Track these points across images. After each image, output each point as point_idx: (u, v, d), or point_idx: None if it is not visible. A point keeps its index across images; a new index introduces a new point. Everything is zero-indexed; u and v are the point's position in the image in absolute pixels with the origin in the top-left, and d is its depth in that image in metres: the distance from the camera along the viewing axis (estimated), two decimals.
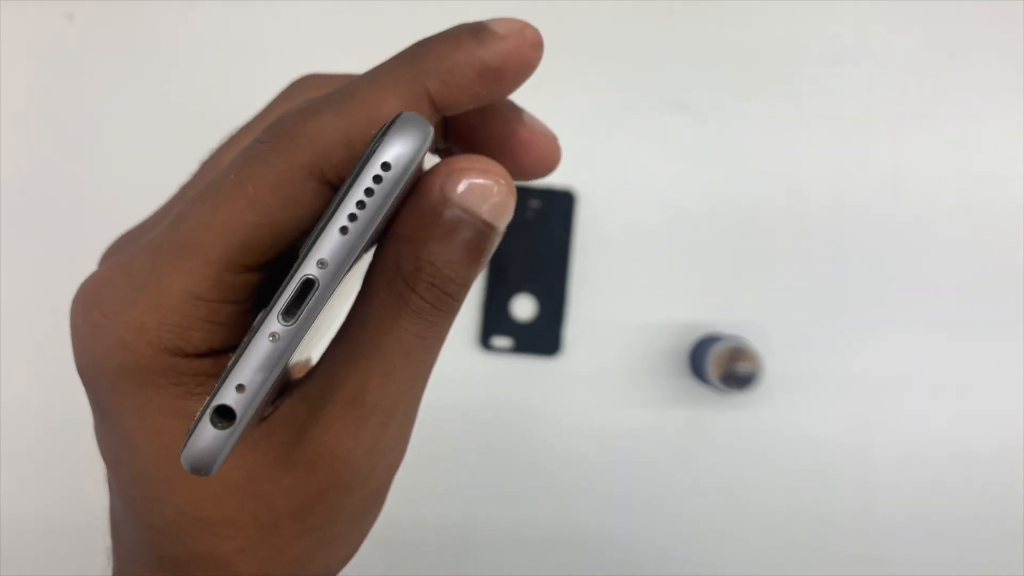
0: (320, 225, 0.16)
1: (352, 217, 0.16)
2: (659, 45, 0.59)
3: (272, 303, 0.16)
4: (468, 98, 0.18)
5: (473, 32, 0.18)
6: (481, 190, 0.17)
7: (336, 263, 0.16)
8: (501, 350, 0.56)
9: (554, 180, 0.57)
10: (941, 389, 0.58)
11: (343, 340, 0.19)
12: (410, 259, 0.18)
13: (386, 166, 0.16)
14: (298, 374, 0.21)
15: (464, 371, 0.56)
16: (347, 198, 0.16)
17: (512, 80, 0.18)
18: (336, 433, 0.18)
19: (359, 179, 0.16)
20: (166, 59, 0.57)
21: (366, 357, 0.18)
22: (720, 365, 0.52)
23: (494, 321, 0.57)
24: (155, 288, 0.18)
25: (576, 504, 0.56)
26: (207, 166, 0.22)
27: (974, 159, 0.59)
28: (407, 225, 0.18)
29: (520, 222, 0.57)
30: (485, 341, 0.56)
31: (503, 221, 0.18)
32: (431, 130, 0.16)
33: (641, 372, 0.57)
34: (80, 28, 0.57)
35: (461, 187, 0.17)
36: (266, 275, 0.19)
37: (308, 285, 0.16)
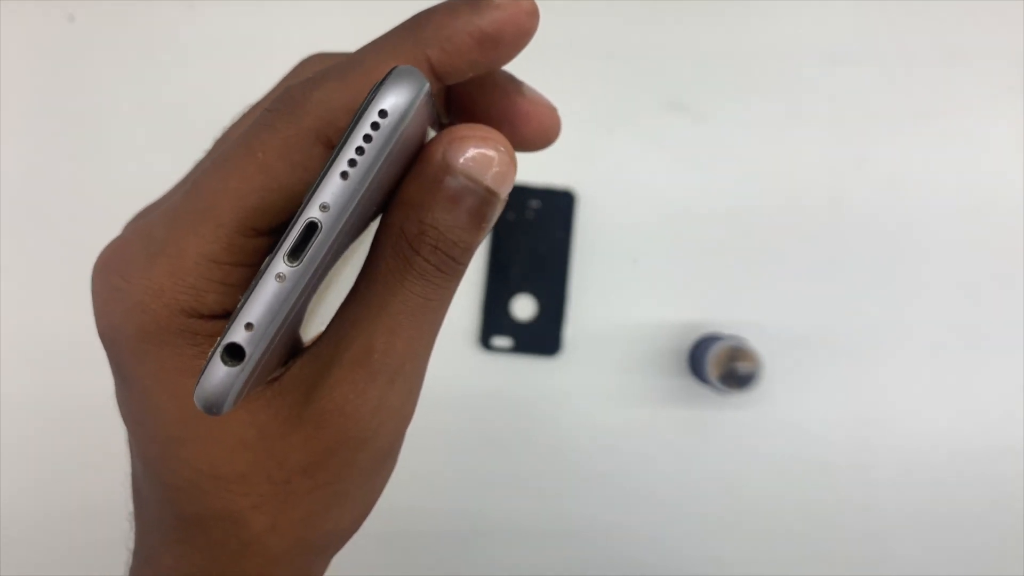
0: (322, 171, 0.17)
1: (352, 163, 0.16)
2: (658, 45, 0.59)
3: (277, 246, 0.16)
4: (467, 65, 0.19)
5: (470, 1, 0.19)
6: (482, 157, 0.18)
7: (338, 206, 0.16)
8: (501, 350, 0.56)
9: (554, 180, 0.57)
10: (941, 389, 0.58)
11: (351, 302, 0.20)
12: (414, 223, 0.18)
13: (383, 113, 0.16)
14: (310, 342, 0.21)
15: (464, 371, 0.56)
16: (346, 145, 0.16)
17: (510, 47, 0.19)
18: (343, 391, 0.19)
19: (357, 127, 0.16)
20: (166, 59, 0.57)
21: (372, 317, 0.19)
22: (720, 365, 0.52)
23: (494, 321, 0.57)
24: (172, 252, 0.18)
25: (576, 503, 0.56)
26: (220, 143, 0.23)
27: (974, 159, 0.59)
28: (410, 191, 0.18)
29: (520, 222, 0.57)
30: (485, 341, 0.56)
31: (505, 188, 0.19)
32: (426, 82, 0.17)
33: (641, 372, 0.57)
34: (81, 29, 0.57)
35: (462, 154, 0.18)
36: (276, 239, 0.19)
37: (311, 228, 0.16)
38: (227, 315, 0.19)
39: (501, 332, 0.57)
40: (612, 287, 0.57)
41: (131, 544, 0.23)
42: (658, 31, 0.59)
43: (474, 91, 0.22)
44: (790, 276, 0.58)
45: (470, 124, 0.19)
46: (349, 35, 0.59)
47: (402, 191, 0.19)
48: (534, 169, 0.57)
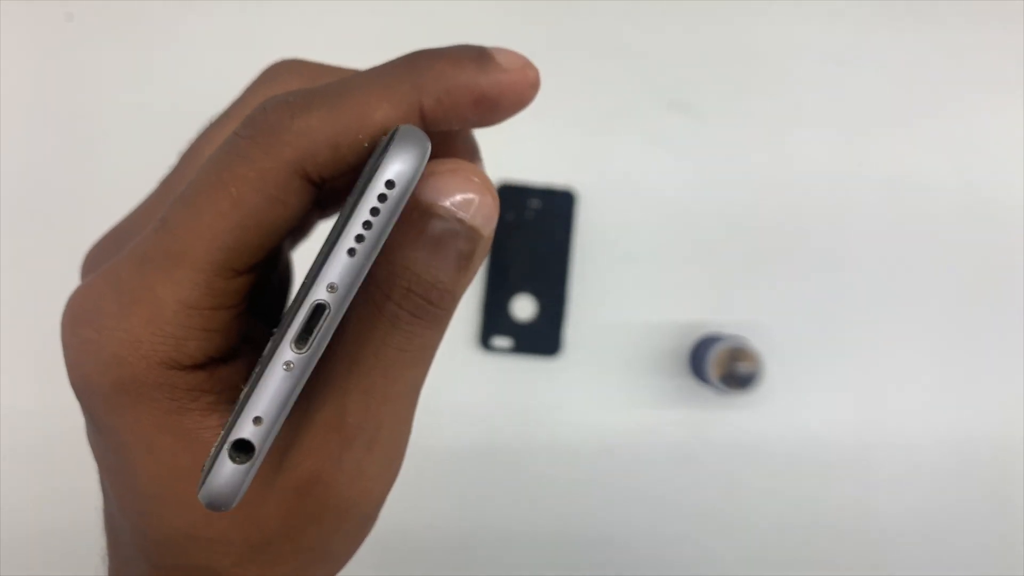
0: (326, 248, 0.16)
1: (359, 238, 0.15)
2: (659, 45, 0.59)
3: (282, 330, 0.15)
4: (458, 121, 0.18)
5: (476, 57, 0.18)
6: (454, 190, 0.17)
7: (346, 286, 0.15)
8: (501, 350, 0.56)
9: (554, 180, 0.57)
10: (941, 389, 0.58)
11: (320, 359, 0.18)
12: (383, 264, 0.17)
13: (390, 184, 0.15)
14: None
15: (464, 371, 0.56)
16: (352, 219, 0.15)
17: (504, 113, 0.18)
18: (318, 459, 0.18)
19: (363, 199, 0.15)
20: (166, 59, 0.57)
21: (343, 375, 0.18)
22: (720, 365, 0.52)
23: (494, 321, 0.57)
24: (147, 300, 0.17)
25: (576, 504, 0.56)
26: (187, 158, 0.22)
27: (974, 159, 0.59)
28: None
29: (520, 222, 0.57)
30: (485, 341, 0.56)
31: (484, 221, 0.17)
32: (428, 144, 0.16)
33: (641, 372, 0.57)
34: (80, 28, 0.57)
35: (434, 190, 0.17)
36: (257, 276, 0.18)
37: (319, 310, 0.15)
38: (208, 363, 0.18)
39: (501, 332, 0.57)
40: (612, 287, 0.57)
41: None
42: (658, 31, 0.59)
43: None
44: (790, 276, 0.58)
45: (439, 160, 0.18)
46: (349, 35, 0.59)
47: None
48: (534, 169, 0.57)
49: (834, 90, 0.59)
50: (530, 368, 0.57)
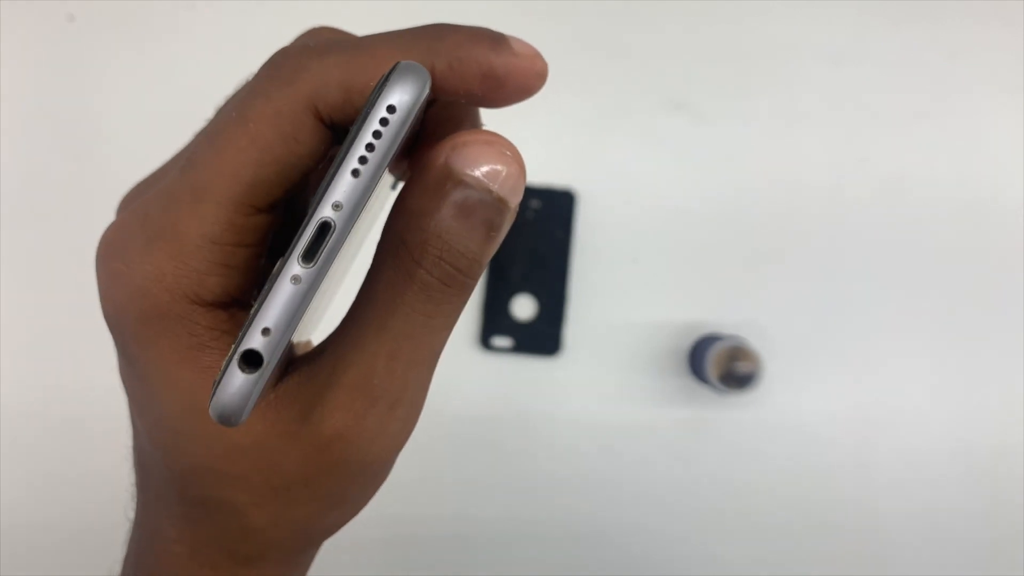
0: (332, 170, 0.16)
1: (363, 160, 0.16)
2: (658, 45, 0.59)
3: (291, 248, 0.16)
4: (463, 92, 0.19)
5: (493, 37, 0.19)
6: (487, 161, 0.17)
7: (351, 204, 0.16)
8: (501, 350, 0.56)
9: (554, 180, 0.57)
10: (941, 388, 0.58)
11: (350, 320, 0.19)
12: (416, 231, 0.18)
13: (391, 109, 0.16)
14: (300, 352, 0.21)
15: (464, 371, 0.56)
16: (356, 142, 0.16)
17: (507, 95, 0.19)
18: (342, 417, 0.19)
19: (367, 123, 0.16)
20: (166, 59, 0.57)
21: (371, 339, 0.18)
22: (720, 365, 0.52)
23: (494, 321, 0.57)
24: (171, 234, 0.18)
25: (576, 503, 0.56)
26: (220, 110, 0.23)
27: (974, 159, 0.59)
28: (412, 198, 0.18)
29: (520, 222, 0.57)
30: (485, 341, 0.56)
31: (513, 194, 0.18)
32: (429, 76, 0.17)
33: (641, 372, 0.57)
34: (80, 29, 0.57)
35: (466, 159, 0.17)
36: (276, 219, 0.19)
37: (325, 228, 0.16)
38: (228, 303, 0.19)
39: (501, 332, 0.57)
40: (612, 287, 0.57)
41: (131, 513, 0.23)
42: (658, 31, 0.59)
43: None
44: (790, 276, 0.58)
45: (474, 129, 0.18)
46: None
47: (404, 199, 0.18)
48: (534, 169, 0.57)
49: (834, 90, 0.59)
50: (530, 368, 0.57)
